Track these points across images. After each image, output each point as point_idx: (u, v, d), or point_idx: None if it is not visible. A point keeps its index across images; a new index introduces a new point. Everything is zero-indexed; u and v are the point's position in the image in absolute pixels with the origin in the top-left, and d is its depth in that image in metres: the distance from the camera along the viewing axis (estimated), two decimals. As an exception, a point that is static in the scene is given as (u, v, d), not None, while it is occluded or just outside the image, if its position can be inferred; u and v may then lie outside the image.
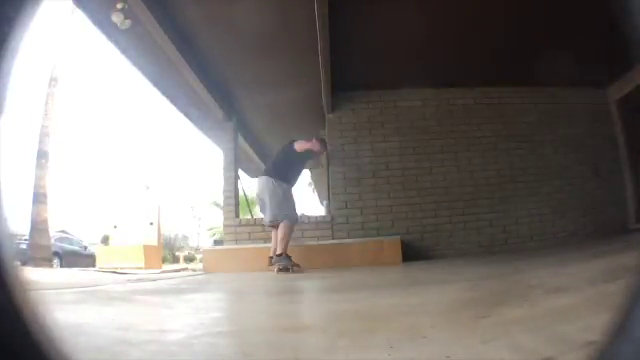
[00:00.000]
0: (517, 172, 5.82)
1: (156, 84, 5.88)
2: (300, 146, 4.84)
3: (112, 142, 56.99)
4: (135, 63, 5.26)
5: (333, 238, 5.51)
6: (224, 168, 6.36)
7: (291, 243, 4.61)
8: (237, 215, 6.12)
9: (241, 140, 6.87)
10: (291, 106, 6.37)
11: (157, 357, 1.00)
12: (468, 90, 5.91)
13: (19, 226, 11.10)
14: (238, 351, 1.13)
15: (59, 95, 12.52)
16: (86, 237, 16.83)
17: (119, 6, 4.01)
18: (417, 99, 5.91)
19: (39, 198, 11.49)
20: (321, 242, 5.36)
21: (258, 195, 4.86)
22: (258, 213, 5.70)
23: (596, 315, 0.85)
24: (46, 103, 12.11)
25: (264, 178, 4.76)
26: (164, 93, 6.16)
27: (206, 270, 5.34)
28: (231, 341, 1.24)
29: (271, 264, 4.51)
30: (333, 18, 3.94)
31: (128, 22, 4.11)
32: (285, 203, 4.64)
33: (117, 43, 4.79)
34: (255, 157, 8.62)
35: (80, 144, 55.10)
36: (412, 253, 5.19)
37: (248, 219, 6.20)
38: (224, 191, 6.23)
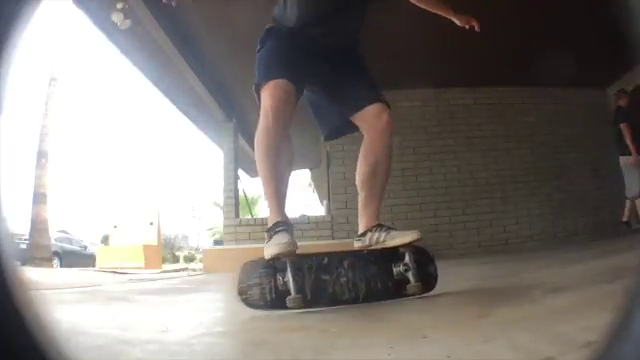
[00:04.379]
0: (517, 172, 5.82)
1: (156, 84, 5.89)
2: None
3: (112, 142, 57.00)
4: (135, 63, 5.27)
5: (333, 238, 5.51)
6: (224, 168, 6.36)
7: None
8: (237, 215, 6.13)
9: (241, 140, 6.87)
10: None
11: (157, 357, 1.00)
12: (468, 90, 5.91)
13: (19, 226, 11.09)
14: (238, 351, 1.13)
15: (59, 95, 12.53)
16: (86, 237, 16.81)
17: (119, 6, 4.01)
18: (417, 99, 5.91)
19: (39, 198, 11.48)
20: (321, 242, 5.35)
21: None
22: (258, 213, 5.71)
23: (596, 315, 0.85)
24: (46, 103, 12.10)
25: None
26: (164, 93, 6.17)
27: (206, 270, 5.34)
28: (231, 341, 1.24)
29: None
30: (333, 18, 3.93)
31: (128, 22, 4.11)
32: None
33: (117, 43, 4.79)
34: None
35: (80, 144, 55.07)
36: (412, 253, 5.18)
37: (248, 219, 6.20)
38: (224, 191, 6.23)
